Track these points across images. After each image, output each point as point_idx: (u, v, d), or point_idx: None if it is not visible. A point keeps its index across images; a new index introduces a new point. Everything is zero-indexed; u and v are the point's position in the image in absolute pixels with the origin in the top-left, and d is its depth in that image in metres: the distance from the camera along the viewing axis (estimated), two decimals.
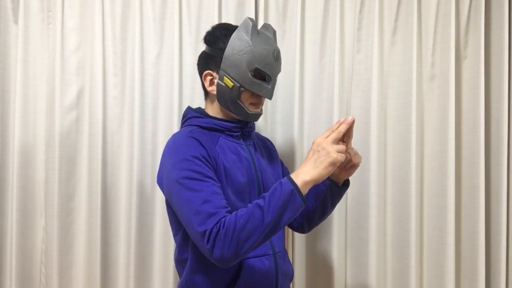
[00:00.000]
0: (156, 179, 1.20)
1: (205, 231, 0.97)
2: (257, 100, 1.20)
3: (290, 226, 1.39)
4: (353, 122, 1.07)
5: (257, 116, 1.22)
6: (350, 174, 1.24)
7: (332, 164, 0.99)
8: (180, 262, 1.18)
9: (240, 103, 1.16)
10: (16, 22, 1.54)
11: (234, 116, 1.20)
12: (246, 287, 1.11)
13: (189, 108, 1.27)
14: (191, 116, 1.23)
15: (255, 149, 1.28)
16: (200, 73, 1.23)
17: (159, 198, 1.55)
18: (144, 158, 1.55)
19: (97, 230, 1.53)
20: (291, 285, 1.32)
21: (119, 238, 1.57)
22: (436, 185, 1.64)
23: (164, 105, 1.58)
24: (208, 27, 1.26)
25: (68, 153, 1.54)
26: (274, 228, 0.98)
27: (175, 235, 1.19)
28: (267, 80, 1.17)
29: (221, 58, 1.15)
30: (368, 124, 1.62)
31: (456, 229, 1.62)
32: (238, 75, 1.13)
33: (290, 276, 1.26)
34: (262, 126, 1.61)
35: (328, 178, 1.25)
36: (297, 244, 1.62)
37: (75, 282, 1.55)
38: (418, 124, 1.63)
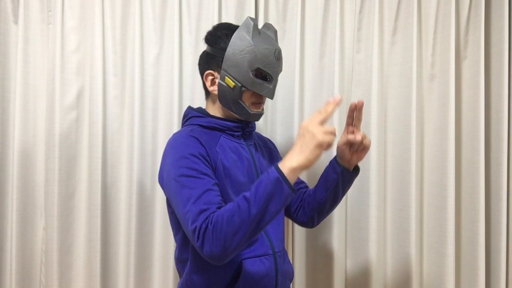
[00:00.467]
0: (157, 179, 1.21)
1: (195, 228, 0.96)
2: (259, 100, 1.20)
3: (298, 221, 1.36)
4: (340, 101, 0.98)
5: (258, 116, 1.22)
6: (361, 158, 1.23)
7: (319, 146, 0.93)
8: (180, 261, 1.19)
9: (242, 103, 1.16)
10: (16, 22, 1.54)
11: (235, 116, 1.20)
12: (246, 287, 1.11)
13: (189, 107, 1.27)
14: (192, 116, 1.23)
15: (256, 149, 1.28)
16: (201, 73, 1.23)
17: (159, 198, 1.55)
18: (144, 158, 1.55)
19: (97, 230, 1.53)
20: (291, 285, 1.32)
21: (119, 238, 1.57)
22: (436, 185, 1.64)
23: (164, 105, 1.58)
24: (208, 27, 1.26)
25: (68, 153, 1.54)
26: (261, 220, 0.94)
27: (175, 235, 1.19)
28: (268, 79, 1.17)
29: (222, 58, 1.15)
30: (368, 124, 1.62)
31: (456, 229, 1.62)
32: (239, 75, 1.14)
33: (290, 277, 1.25)
34: (262, 126, 1.61)
35: (339, 165, 1.24)
36: (297, 244, 1.62)
37: (75, 282, 1.55)
38: (418, 124, 1.63)
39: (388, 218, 1.66)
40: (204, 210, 0.98)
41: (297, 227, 1.61)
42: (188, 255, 1.14)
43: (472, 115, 1.66)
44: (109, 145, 1.57)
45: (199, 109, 1.25)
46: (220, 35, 1.18)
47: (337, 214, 1.61)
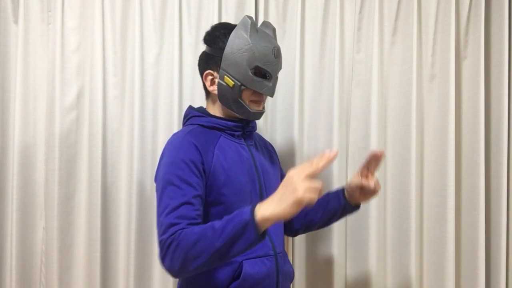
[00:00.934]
0: None
1: (161, 240, 0.99)
2: (259, 98, 1.20)
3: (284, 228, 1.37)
4: (334, 157, 0.91)
5: (259, 114, 1.21)
6: (368, 200, 1.27)
7: (297, 203, 0.87)
8: None
9: (242, 102, 1.16)
10: (16, 22, 1.53)
11: (236, 115, 1.20)
12: (245, 287, 1.11)
13: (190, 107, 1.27)
14: (192, 116, 1.23)
15: (257, 149, 1.28)
16: (201, 73, 1.23)
17: None
18: (144, 158, 1.55)
19: (97, 230, 1.53)
20: (291, 285, 1.32)
21: (119, 238, 1.57)
22: (436, 185, 1.64)
23: (164, 105, 1.58)
24: (208, 27, 1.26)
25: (68, 153, 1.54)
26: (224, 255, 0.93)
27: None
28: (267, 77, 1.17)
29: (221, 57, 1.15)
30: (368, 124, 1.62)
31: (456, 229, 1.62)
32: (238, 73, 1.14)
33: (290, 277, 1.25)
34: (262, 126, 1.61)
35: (344, 198, 1.28)
36: (297, 244, 1.61)
37: (75, 282, 1.55)
38: (418, 124, 1.63)
39: (388, 218, 1.66)
40: (174, 224, 0.99)
41: None
42: None
43: (472, 115, 1.66)
44: (109, 145, 1.57)
45: (200, 109, 1.26)
46: (218, 35, 1.18)
47: None
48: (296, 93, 1.60)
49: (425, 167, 1.68)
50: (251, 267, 1.12)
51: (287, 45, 1.64)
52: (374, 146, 1.60)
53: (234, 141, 1.20)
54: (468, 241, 1.66)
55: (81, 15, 1.56)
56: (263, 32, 1.18)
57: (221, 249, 0.92)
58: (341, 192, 1.30)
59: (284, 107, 1.64)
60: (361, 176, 1.23)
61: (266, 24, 1.23)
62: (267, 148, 1.37)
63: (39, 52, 1.55)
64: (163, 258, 0.99)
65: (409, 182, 1.60)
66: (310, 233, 1.63)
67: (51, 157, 1.52)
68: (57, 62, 1.52)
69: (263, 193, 1.20)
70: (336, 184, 1.60)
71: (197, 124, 1.20)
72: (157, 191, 1.10)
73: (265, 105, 1.27)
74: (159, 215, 1.04)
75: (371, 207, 1.60)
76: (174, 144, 1.13)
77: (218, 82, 1.17)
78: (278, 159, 1.40)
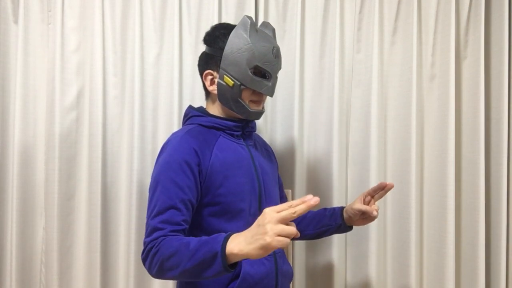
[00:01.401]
0: None
1: (145, 242, 1.03)
2: (258, 98, 1.20)
3: None
4: (315, 204, 0.82)
5: (258, 114, 1.21)
6: (365, 224, 1.29)
7: (263, 248, 0.83)
8: None
9: (241, 102, 1.16)
10: (16, 22, 1.53)
11: (236, 115, 1.20)
12: (245, 287, 1.11)
13: (190, 107, 1.27)
14: (192, 115, 1.24)
15: (256, 149, 1.28)
16: (201, 73, 1.23)
17: None
18: (144, 158, 1.55)
19: (97, 230, 1.53)
20: (290, 285, 1.32)
21: (119, 238, 1.57)
22: (436, 185, 1.64)
23: (164, 105, 1.58)
24: (208, 27, 1.26)
25: (68, 153, 1.54)
26: (194, 276, 0.94)
27: None
28: (267, 77, 1.17)
29: (221, 57, 1.15)
30: (368, 124, 1.62)
31: (456, 229, 1.62)
32: (238, 73, 1.14)
33: (289, 277, 1.25)
34: (262, 126, 1.61)
35: (342, 219, 1.30)
36: (297, 244, 1.61)
37: (75, 282, 1.55)
38: (418, 124, 1.63)
39: (388, 218, 1.66)
40: (159, 229, 1.02)
41: None
42: None
43: (472, 115, 1.66)
44: (109, 145, 1.57)
45: (200, 109, 1.26)
46: (218, 35, 1.18)
47: None
48: (296, 93, 1.60)
49: (425, 167, 1.68)
50: (251, 267, 1.12)
51: (287, 45, 1.64)
52: (374, 146, 1.60)
53: (234, 141, 1.20)
54: (468, 241, 1.66)
55: (81, 15, 1.56)
56: (263, 32, 1.18)
57: (191, 270, 0.93)
58: (338, 212, 1.32)
59: (284, 107, 1.64)
60: (364, 202, 1.26)
61: (265, 24, 1.23)
62: (266, 149, 1.37)
63: (39, 52, 1.55)
64: (144, 259, 1.03)
65: (409, 182, 1.60)
66: None
67: (51, 157, 1.52)
68: (57, 62, 1.52)
69: (262, 193, 1.20)
70: (336, 184, 1.60)
71: (197, 124, 1.20)
72: (149, 188, 1.12)
73: (265, 105, 1.27)
74: (147, 215, 1.07)
75: None
76: (172, 143, 1.14)
77: (218, 82, 1.17)
78: (276, 161, 1.40)
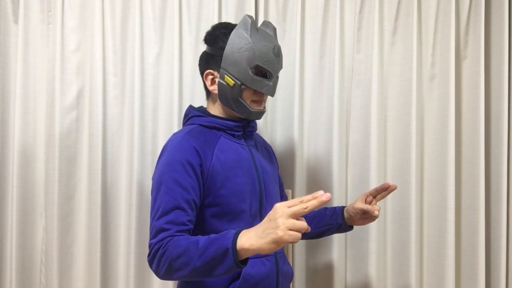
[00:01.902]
0: None
1: (151, 244, 1.02)
2: (259, 98, 1.19)
3: None
4: (327, 200, 0.82)
5: (260, 113, 1.21)
6: (365, 224, 1.29)
7: (276, 241, 0.83)
8: None
9: (242, 101, 1.16)
10: (16, 22, 1.53)
11: (237, 115, 1.20)
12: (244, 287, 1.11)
13: (191, 107, 1.27)
14: (193, 115, 1.23)
15: (257, 149, 1.28)
16: (201, 73, 1.23)
17: None
18: (144, 158, 1.55)
19: (97, 230, 1.53)
20: (290, 285, 1.32)
21: (119, 238, 1.57)
22: (436, 185, 1.64)
23: (164, 105, 1.58)
24: (208, 27, 1.26)
25: (68, 153, 1.54)
26: (204, 274, 0.94)
27: None
28: (268, 77, 1.17)
29: (222, 56, 1.15)
30: (368, 124, 1.62)
31: (456, 229, 1.62)
32: (238, 73, 1.13)
33: (290, 277, 1.26)
34: (262, 126, 1.61)
35: (343, 218, 1.30)
36: (297, 244, 1.61)
37: (75, 282, 1.55)
38: (418, 124, 1.63)
39: (388, 218, 1.66)
40: (164, 230, 1.01)
41: None
42: None
43: (472, 115, 1.66)
44: (109, 145, 1.57)
45: (200, 109, 1.25)
46: (218, 34, 1.18)
47: None
48: (296, 93, 1.60)
49: (425, 167, 1.68)
50: (251, 267, 1.11)
51: (287, 45, 1.64)
52: (374, 146, 1.60)
53: (234, 141, 1.20)
54: (468, 241, 1.66)
55: (81, 15, 1.56)
56: (264, 32, 1.18)
57: (201, 268, 0.92)
58: (339, 211, 1.32)
59: (284, 107, 1.64)
60: (366, 202, 1.25)
61: (266, 23, 1.23)
62: (266, 149, 1.37)
63: (39, 52, 1.55)
64: (150, 261, 1.02)
65: (409, 182, 1.60)
66: None
67: (51, 157, 1.52)
68: (57, 62, 1.52)
69: (263, 193, 1.20)
70: (336, 184, 1.60)
71: (197, 124, 1.20)
72: (152, 190, 1.11)
73: (265, 105, 1.27)
74: (151, 217, 1.06)
75: None
76: (173, 144, 1.13)
77: (219, 82, 1.16)
78: (276, 161, 1.40)
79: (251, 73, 1.13)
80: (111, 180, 1.57)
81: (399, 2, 1.66)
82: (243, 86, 1.14)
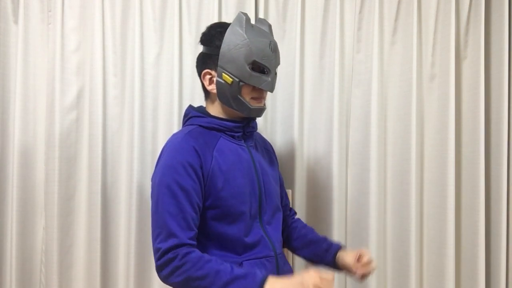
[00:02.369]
0: None
1: (160, 249, 1.03)
2: (258, 95, 1.18)
3: None
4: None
5: (260, 111, 1.20)
6: (360, 275, 1.22)
7: None
8: None
9: (241, 99, 1.15)
10: (16, 22, 1.53)
11: (236, 114, 1.19)
12: None
13: (190, 106, 1.26)
14: (192, 115, 1.22)
15: (256, 150, 1.27)
16: (199, 74, 1.22)
17: None
18: (144, 158, 1.55)
19: (97, 230, 1.53)
20: None
21: (119, 238, 1.57)
22: (436, 185, 1.64)
23: (164, 105, 1.58)
24: None
25: (68, 153, 1.54)
26: None
27: None
28: (266, 72, 1.16)
29: (218, 55, 1.14)
30: (368, 124, 1.61)
31: (456, 229, 1.62)
32: (236, 70, 1.13)
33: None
34: (262, 126, 1.61)
35: (334, 258, 1.26)
36: None
37: (75, 282, 1.55)
38: (418, 124, 1.63)
39: (388, 218, 1.66)
40: (174, 236, 1.03)
41: None
42: None
43: (472, 115, 1.66)
44: (109, 145, 1.57)
45: (200, 109, 1.25)
46: (214, 34, 1.17)
47: (337, 214, 1.61)
48: (296, 93, 1.60)
49: (425, 167, 1.68)
50: (252, 268, 1.11)
51: (287, 45, 1.64)
52: (374, 146, 1.60)
53: (234, 142, 1.19)
54: (468, 241, 1.66)
55: (81, 15, 1.56)
56: (258, 28, 1.18)
57: None
58: (334, 251, 1.27)
59: (284, 107, 1.64)
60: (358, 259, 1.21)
61: (261, 20, 1.23)
62: (266, 149, 1.36)
63: (39, 52, 1.55)
64: (160, 267, 1.03)
65: (409, 182, 1.60)
66: None
67: (51, 157, 1.52)
68: (57, 62, 1.52)
69: (262, 194, 1.19)
70: (336, 184, 1.60)
71: (197, 125, 1.19)
72: (153, 192, 1.10)
73: (265, 102, 1.26)
74: (155, 219, 1.06)
75: (371, 207, 1.59)
76: (173, 145, 1.13)
77: (217, 81, 1.15)
78: (276, 160, 1.40)
79: (248, 69, 1.13)
80: (111, 180, 1.57)
81: (399, 2, 1.66)
82: (241, 83, 1.13)
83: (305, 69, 1.64)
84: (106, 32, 1.56)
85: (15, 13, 1.53)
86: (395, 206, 1.65)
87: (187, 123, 1.23)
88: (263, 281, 0.93)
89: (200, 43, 1.23)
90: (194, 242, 1.06)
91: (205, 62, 1.19)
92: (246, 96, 1.16)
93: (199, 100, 1.58)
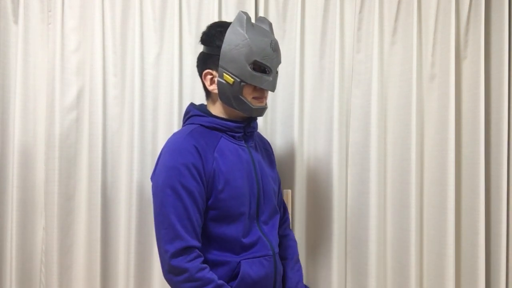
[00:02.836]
0: None
1: (168, 251, 1.05)
2: (260, 94, 1.18)
3: None
4: None
5: (262, 110, 1.19)
6: None
7: None
8: None
9: (243, 98, 1.15)
10: (16, 22, 1.53)
11: (237, 114, 1.19)
12: (243, 287, 1.11)
13: (192, 104, 1.26)
14: (193, 114, 1.22)
15: (256, 151, 1.27)
16: (200, 74, 1.22)
17: None
18: (144, 158, 1.55)
19: (97, 230, 1.53)
20: None
21: (119, 238, 1.57)
22: (436, 185, 1.64)
23: (164, 105, 1.58)
24: None
25: (68, 153, 1.54)
26: None
27: None
28: (267, 72, 1.15)
29: (219, 55, 1.14)
30: (368, 124, 1.61)
31: (456, 229, 1.62)
32: (237, 70, 1.12)
33: (282, 276, 1.25)
34: (262, 126, 1.61)
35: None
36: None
37: (75, 282, 1.55)
38: (418, 124, 1.63)
39: (388, 218, 1.66)
40: (181, 238, 1.05)
41: (297, 228, 1.60)
42: None
43: (472, 115, 1.66)
44: (109, 145, 1.57)
45: (201, 107, 1.24)
46: (214, 33, 1.17)
47: (337, 214, 1.61)
48: (296, 93, 1.60)
49: (425, 167, 1.68)
50: (250, 267, 1.12)
51: (287, 45, 1.64)
52: (374, 146, 1.60)
53: (235, 143, 1.19)
54: (468, 241, 1.66)
55: (81, 15, 1.56)
56: (259, 27, 1.17)
57: None
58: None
59: (284, 107, 1.64)
60: None
61: (261, 19, 1.22)
62: (265, 149, 1.36)
63: (39, 52, 1.55)
64: (169, 271, 1.06)
65: (409, 182, 1.60)
66: (309, 230, 1.64)
67: (51, 157, 1.52)
68: (57, 62, 1.52)
69: (261, 195, 1.19)
70: (336, 184, 1.60)
71: (198, 124, 1.19)
72: (156, 193, 1.10)
73: (266, 101, 1.26)
74: (162, 221, 1.07)
75: (371, 207, 1.59)
76: (175, 146, 1.12)
77: (218, 81, 1.15)
78: (274, 159, 1.39)
79: (249, 69, 1.12)
80: (111, 180, 1.57)
81: (399, 2, 1.66)
82: (242, 83, 1.13)
83: (305, 69, 1.64)
84: (106, 32, 1.56)
85: (15, 13, 1.53)
86: (395, 206, 1.65)
87: (187, 121, 1.23)
88: None
89: (200, 43, 1.22)
90: (199, 244, 1.08)
91: (206, 62, 1.19)
92: (248, 96, 1.16)
93: (199, 100, 1.56)
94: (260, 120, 1.46)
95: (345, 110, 1.65)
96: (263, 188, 1.21)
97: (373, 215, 1.59)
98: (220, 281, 1.07)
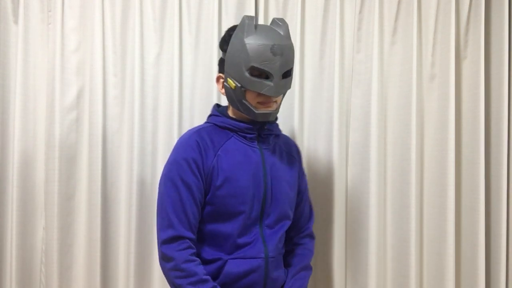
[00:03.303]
0: (157, 179, 1.27)
1: (160, 237, 1.11)
2: (265, 99, 1.16)
3: None
4: None
5: (267, 115, 1.18)
6: None
7: None
8: None
9: (246, 103, 1.15)
10: (16, 22, 1.53)
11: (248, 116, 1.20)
12: (226, 286, 1.13)
13: (215, 105, 1.30)
14: (212, 114, 1.27)
15: (273, 153, 1.24)
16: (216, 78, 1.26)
17: None
18: (144, 158, 1.55)
19: (97, 230, 1.53)
20: None
21: (119, 238, 1.57)
22: (436, 185, 1.64)
23: (164, 105, 1.58)
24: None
25: (68, 153, 1.54)
26: None
27: None
28: (268, 77, 1.14)
29: (226, 60, 1.17)
30: (368, 124, 1.61)
31: (456, 229, 1.62)
32: (237, 75, 1.13)
33: (281, 283, 1.24)
34: None
35: None
36: None
37: (75, 282, 1.55)
38: (418, 124, 1.63)
39: (388, 218, 1.66)
40: (172, 227, 1.10)
41: None
42: None
43: (472, 115, 1.66)
44: (109, 145, 1.57)
45: (221, 109, 1.28)
46: (225, 38, 1.20)
47: (337, 214, 1.61)
48: (296, 93, 1.60)
49: (425, 167, 1.67)
50: (236, 267, 1.13)
51: None
52: (374, 146, 1.60)
53: (245, 143, 1.20)
54: (468, 241, 1.66)
55: (81, 15, 1.56)
56: (264, 31, 1.14)
57: None
58: None
59: (284, 107, 1.63)
60: None
61: (276, 21, 1.19)
62: (290, 154, 1.32)
63: (39, 52, 1.55)
64: (160, 257, 1.12)
65: (409, 182, 1.60)
66: None
67: (51, 157, 1.52)
68: (57, 62, 1.52)
69: (268, 198, 1.19)
70: (336, 184, 1.60)
71: (212, 123, 1.23)
72: (159, 186, 1.16)
73: (278, 105, 1.24)
74: (160, 211, 1.13)
75: (371, 207, 1.59)
76: (181, 142, 1.19)
77: (224, 85, 1.19)
78: (300, 165, 1.36)
79: (247, 75, 1.12)
80: (111, 180, 1.57)
81: (399, 2, 1.66)
82: (243, 88, 1.14)
83: (305, 69, 1.64)
84: (106, 32, 1.56)
85: (15, 13, 1.53)
86: (395, 206, 1.65)
87: (206, 120, 1.28)
88: None
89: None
90: (192, 236, 1.11)
91: (219, 66, 1.23)
92: (252, 100, 1.16)
93: (199, 100, 1.58)
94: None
95: (345, 110, 1.65)
96: (272, 190, 1.20)
97: (373, 215, 1.59)
98: (206, 277, 1.09)
